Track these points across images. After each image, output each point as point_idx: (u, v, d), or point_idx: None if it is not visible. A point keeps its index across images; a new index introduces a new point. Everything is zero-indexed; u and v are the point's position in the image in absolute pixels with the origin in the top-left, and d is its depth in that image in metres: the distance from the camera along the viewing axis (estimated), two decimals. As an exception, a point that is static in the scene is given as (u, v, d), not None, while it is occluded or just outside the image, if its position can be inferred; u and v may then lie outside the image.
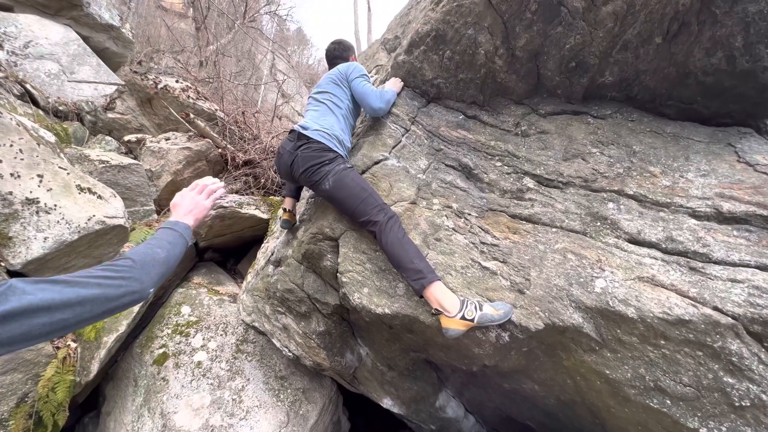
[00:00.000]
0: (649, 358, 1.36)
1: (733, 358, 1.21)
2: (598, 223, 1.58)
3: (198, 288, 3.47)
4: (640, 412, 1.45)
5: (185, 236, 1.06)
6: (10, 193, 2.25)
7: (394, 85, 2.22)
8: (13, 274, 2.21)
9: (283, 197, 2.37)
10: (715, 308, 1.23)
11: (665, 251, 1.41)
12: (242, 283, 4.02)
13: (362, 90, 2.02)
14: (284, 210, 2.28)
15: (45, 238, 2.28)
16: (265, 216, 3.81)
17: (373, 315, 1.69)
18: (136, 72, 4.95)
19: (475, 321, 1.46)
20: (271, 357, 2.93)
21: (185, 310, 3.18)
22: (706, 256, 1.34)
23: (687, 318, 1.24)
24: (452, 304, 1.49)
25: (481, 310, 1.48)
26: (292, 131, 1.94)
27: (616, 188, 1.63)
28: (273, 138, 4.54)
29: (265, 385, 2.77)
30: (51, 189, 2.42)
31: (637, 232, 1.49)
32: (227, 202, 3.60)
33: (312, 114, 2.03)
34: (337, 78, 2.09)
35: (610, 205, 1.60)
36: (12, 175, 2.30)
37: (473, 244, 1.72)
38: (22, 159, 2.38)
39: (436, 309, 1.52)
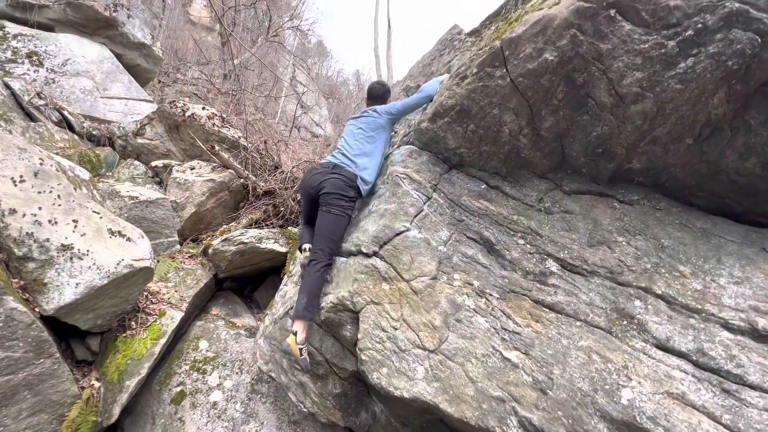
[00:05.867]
0: (675, 476, 1.32)
1: (767, 496, 1.17)
2: (625, 322, 1.56)
3: (216, 320, 3.53)
4: None
5: None
6: (47, 240, 2.35)
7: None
8: (45, 319, 2.31)
9: (301, 240, 2.53)
10: (748, 440, 1.19)
11: (696, 365, 1.38)
12: (259, 313, 4.08)
13: (402, 107, 2.47)
14: (303, 250, 2.40)
15: (77, 284, 2.37)
16: (283, 249, 3.86)
17: (392, 397, 1.70)
18: (164, 84, 5.10)
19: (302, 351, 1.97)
20: (284, 400, 2.96)
21: (203, 345, 3.25)
22: (740, 377, 1.31)
23: (717, 447, 1.21)
24: (303, 339, 1.99)
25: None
26: (329, 163, 2.39)
27: (643, 285, 1.60)
28: (293, 168, 4.63)
29: (279, 430, 2.79)
30: (84, 234, 2.52)
31: (666, 339, 1.46)
32: (247, 238, 3.68)
33: (352, 148, 2.42)
34: (379, 117, 2.48)
35: (637, 302, 1.57)
36: (50, 221, 2.40)
37: (495, 329, 1.71)
38: (60, 205, 2.49)
39: (295, 331, 2.00)
